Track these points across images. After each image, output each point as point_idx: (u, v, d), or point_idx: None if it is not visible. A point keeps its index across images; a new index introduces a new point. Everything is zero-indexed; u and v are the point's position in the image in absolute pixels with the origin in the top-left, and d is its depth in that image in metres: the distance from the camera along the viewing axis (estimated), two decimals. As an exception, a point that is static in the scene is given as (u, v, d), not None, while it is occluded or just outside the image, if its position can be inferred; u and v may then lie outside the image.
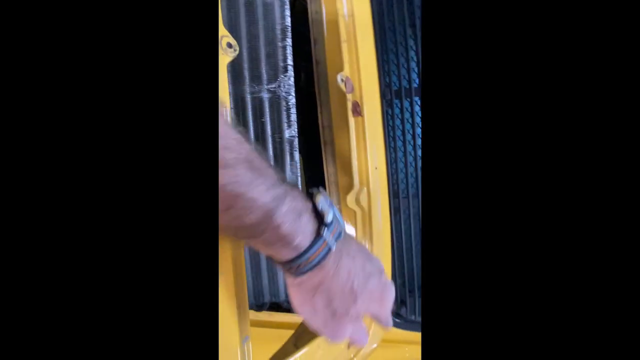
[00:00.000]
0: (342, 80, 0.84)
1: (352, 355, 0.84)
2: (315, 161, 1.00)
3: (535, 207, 0.38)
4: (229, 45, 0.57)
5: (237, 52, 0.57)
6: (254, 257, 0.84)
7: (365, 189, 0.86)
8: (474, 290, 0.38)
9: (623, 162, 0.36)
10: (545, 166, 0.38)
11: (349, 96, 0.86)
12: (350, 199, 0.84)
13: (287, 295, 0.84)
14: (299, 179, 0.85)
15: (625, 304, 0.36)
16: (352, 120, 0.88)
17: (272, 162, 0.82)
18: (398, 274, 0.93)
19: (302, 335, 0.83)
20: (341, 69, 0.85)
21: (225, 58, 0.56)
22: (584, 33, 0.37)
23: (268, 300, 0.83)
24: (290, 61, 0.80)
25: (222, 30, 0.56)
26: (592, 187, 0.37)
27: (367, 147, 0.85)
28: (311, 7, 0.96)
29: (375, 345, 0.88)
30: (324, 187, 1.01)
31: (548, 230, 0.37)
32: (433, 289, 0.39)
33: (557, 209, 0.37)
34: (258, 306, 0.87)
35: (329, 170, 1.02)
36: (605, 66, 0.37)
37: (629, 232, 0.36)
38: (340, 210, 0.99)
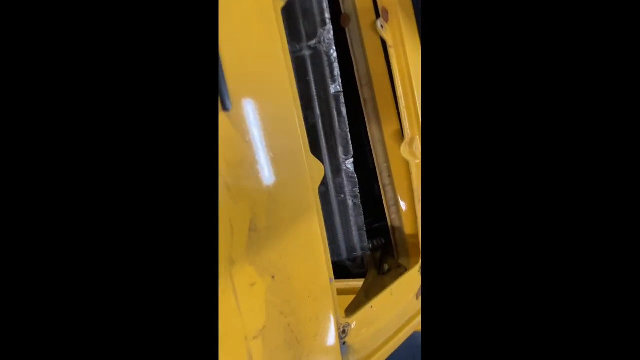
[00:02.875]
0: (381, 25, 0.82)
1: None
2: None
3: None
4: (281, -8, 0.55)
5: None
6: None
7: (417, 137, 0.84)
8: None
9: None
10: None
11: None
12: (403, 149, 0.83)
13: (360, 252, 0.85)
14: (348, 134, 0.83)
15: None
16: (397, 72, 0.86)
17: (320, 120, 0.81)
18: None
19: (371, 288, 0.85)
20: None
21: (278, 3, 0.55)
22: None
23: (345, 257, 0.85)
24: (327, 14, 0.78)
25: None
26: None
27: (415, 96, 0.83)
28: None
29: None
30: (369, 143, 1.00)
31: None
32: None
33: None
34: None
35: (372, 128, 1.01)
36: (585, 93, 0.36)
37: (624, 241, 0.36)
38: (389, 163, 0.97)
